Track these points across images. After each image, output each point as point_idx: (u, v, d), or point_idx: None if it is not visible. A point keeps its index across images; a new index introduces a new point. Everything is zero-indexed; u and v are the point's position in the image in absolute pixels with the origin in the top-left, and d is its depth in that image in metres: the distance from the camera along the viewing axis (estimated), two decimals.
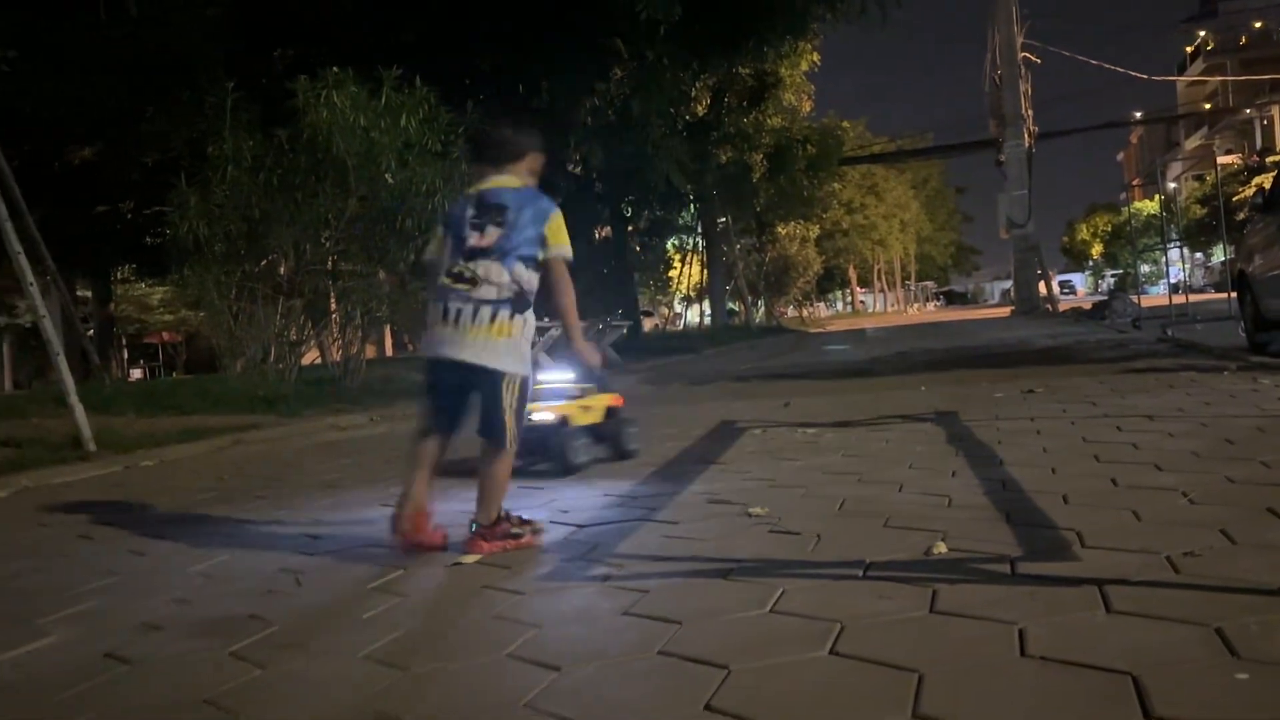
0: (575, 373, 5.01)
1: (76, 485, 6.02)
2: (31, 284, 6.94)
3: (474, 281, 3.14)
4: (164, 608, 2.93)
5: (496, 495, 3.27)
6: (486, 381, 3.18)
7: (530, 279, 3.21)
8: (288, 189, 11.27)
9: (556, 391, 4.95)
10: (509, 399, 3.20)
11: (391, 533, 3.28)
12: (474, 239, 3.17)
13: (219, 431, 7.79)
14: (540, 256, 3.21)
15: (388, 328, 18.43)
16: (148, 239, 16.76)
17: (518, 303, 3.17)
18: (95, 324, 20.48)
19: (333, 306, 12.98)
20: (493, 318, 3.13)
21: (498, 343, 3.15)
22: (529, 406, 4.33)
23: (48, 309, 7.09)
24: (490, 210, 3.19)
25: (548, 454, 4.79)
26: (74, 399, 6.90)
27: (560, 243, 3.23)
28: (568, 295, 3.27)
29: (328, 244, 11.93)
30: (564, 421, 4.82)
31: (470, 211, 3.22)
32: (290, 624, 2.68)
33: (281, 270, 12.24)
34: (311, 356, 14.40)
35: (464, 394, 3.26)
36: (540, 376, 4.64)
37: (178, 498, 5.25)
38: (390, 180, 10.92)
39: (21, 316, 22.17)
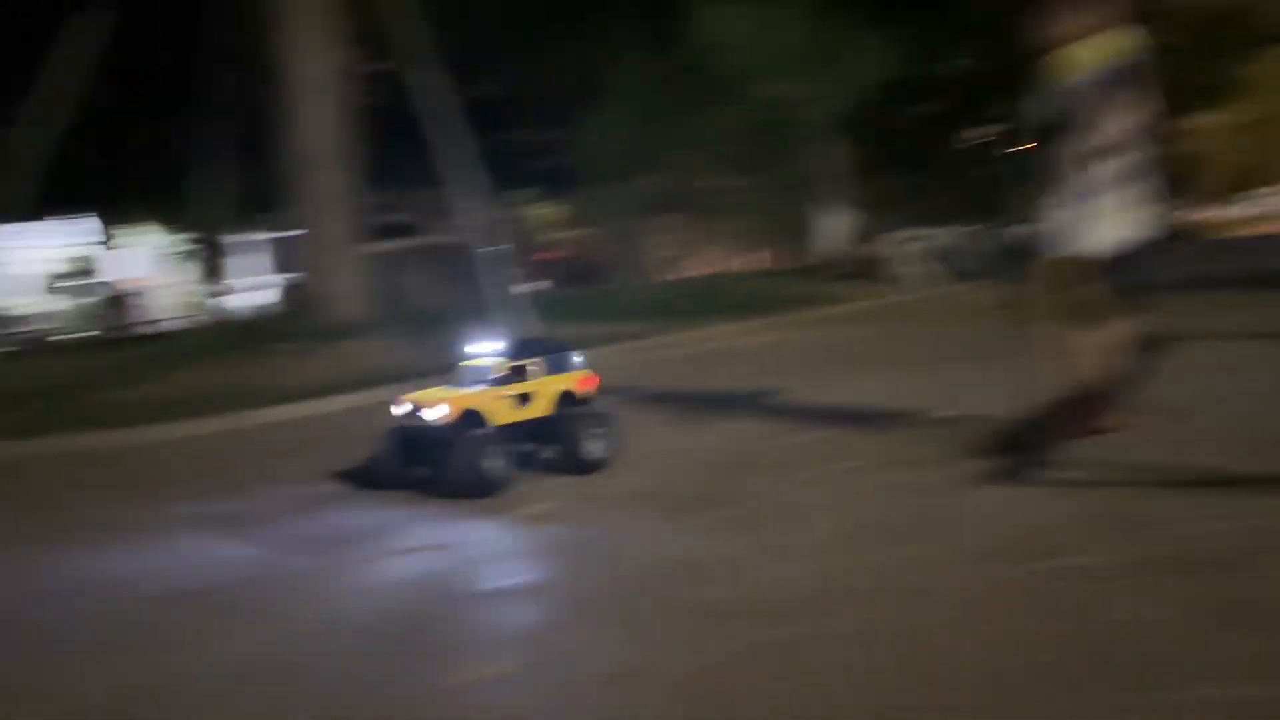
0: (509, 345, 3.47)
1: None
2: (463, 206, 7.89)
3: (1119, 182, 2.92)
4: (661, 476, 3.34)
5: None
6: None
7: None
8: (674, 109, 11.73)
9: (476, 373, 3.45)
10: None
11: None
12: (1104, 137, 2.89)
13: (627, 337, 8.43)
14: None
15: (764, 240, 18.77)
16: (547, 163, 18.22)
17: None
18: (505, 242, 22.77)
19: (714, 221, 13.48)
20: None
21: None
22: (419, 398, 3.37)
23: (473, 229, 8.01)
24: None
25: (441, 465, 3.30)
26: (500, 308, 7.83)
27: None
28: None
29: (710, 161, 12.35)
30: (467, 422, 3.30)
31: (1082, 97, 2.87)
32: (751, 505, 2.96)
33: (667, 187, 12.89)
34: (692, 268, 15.07)
35: None
36: (468, 350, 3.54)
37: (628, 394, 5.31)
38: (774, 91, 11.01)
39: (442, 235, 25.07)
